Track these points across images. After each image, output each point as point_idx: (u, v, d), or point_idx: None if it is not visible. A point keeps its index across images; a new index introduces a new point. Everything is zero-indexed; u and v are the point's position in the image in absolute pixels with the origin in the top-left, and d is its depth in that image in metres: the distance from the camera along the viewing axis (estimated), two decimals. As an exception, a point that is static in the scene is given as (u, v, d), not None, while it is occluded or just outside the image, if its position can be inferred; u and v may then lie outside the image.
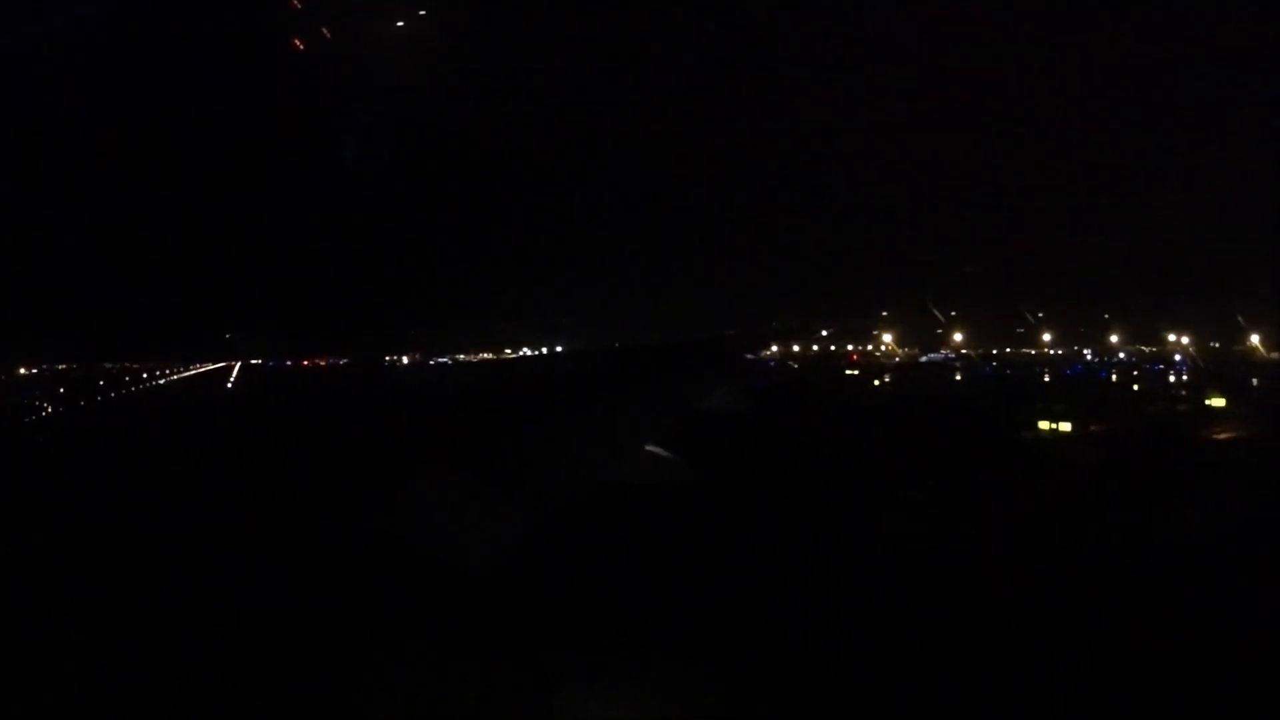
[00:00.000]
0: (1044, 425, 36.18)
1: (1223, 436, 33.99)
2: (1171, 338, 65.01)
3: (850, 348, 75.49)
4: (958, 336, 72.86)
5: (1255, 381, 48.41)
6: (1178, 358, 62.23)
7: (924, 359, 73.96)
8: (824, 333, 63.62)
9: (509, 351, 69.44)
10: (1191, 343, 61.81)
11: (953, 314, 71.73)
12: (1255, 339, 54.93)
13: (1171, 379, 55.02)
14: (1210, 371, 52.11)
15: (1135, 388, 51.20)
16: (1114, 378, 56.96)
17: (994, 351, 74.00)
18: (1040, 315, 74.05)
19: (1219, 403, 40.97)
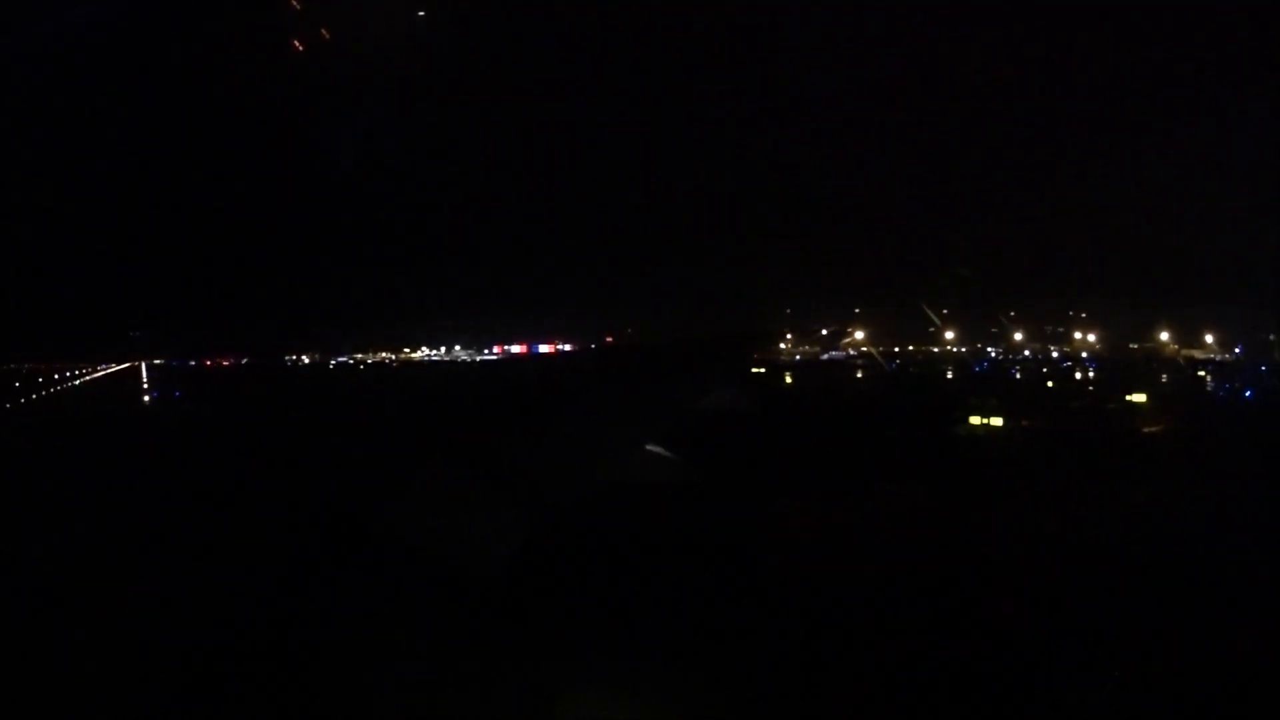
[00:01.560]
0: (976, 420, 36.65)
1: (1154, 429, 34.58)
2: (1078, 336, 66.58)
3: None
4: (859, 334, 73.49)
5: (1165, 378, 49.55)
6: (1085, 355, 63.72)
7: (824, 356, 74.46)
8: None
9: (407, 351, 68.08)
10: (1099, 340, 63.34)
11: (856, 311, 72.39)
12: (1164, 336, 56.50)
13: (1078, 376, 56.09)
14: (1123, 368, 53.22)
15: (1050, 384, 51.96)
16: (1019, 375, 57.80)
17: (895, 350, 74.87)
18: (945, 312, 75.19)
19: (1140, 399, 41.73)
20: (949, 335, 76.19)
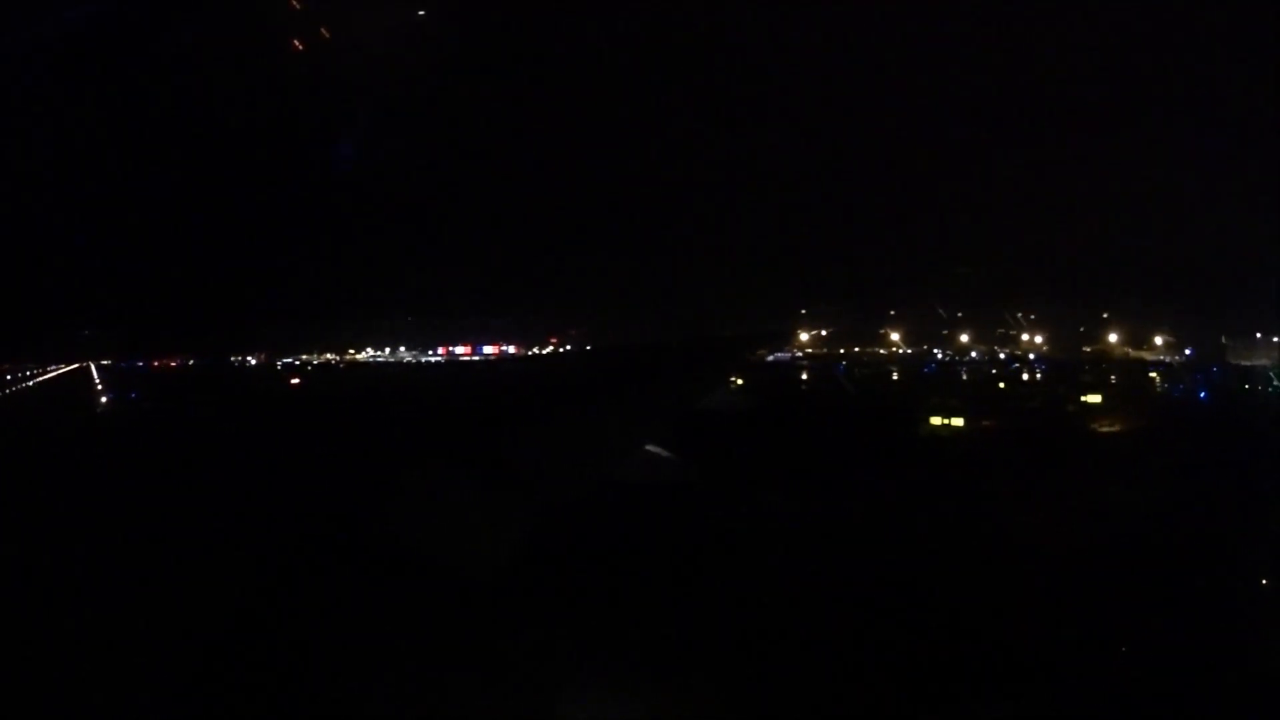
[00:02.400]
0: (936, 421, 36.73)
1: (1112, 429, 34.62)
2: (1025, 337, 66.94)
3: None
4: (804, 336, 73.46)
5: (1113, 378, 49.82)
6: (1032, 356, 64.10)
7: (770, 358, 74.35)
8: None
9: (351, 352, 67.37)
10: (1046, 342, 63.71)
11: (803, 312, 72.31)
12: (1113, 338, 56.92)
13: (1025, 377, 56.35)
14: (1073, 369, 53.45)
15: (1002, 385, 52.05)
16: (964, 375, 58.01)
17: (841, 351, 74.99)
18: (892, 314, 75.46)
19: (1095, 399, 41.85)
20: (894, 337, 76.38)
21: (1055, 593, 11.62)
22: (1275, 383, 39.10)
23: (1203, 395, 40.35)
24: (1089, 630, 10.34)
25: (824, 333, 75.62)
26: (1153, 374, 49.62)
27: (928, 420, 36.72)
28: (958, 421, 36.98)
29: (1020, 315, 66.37)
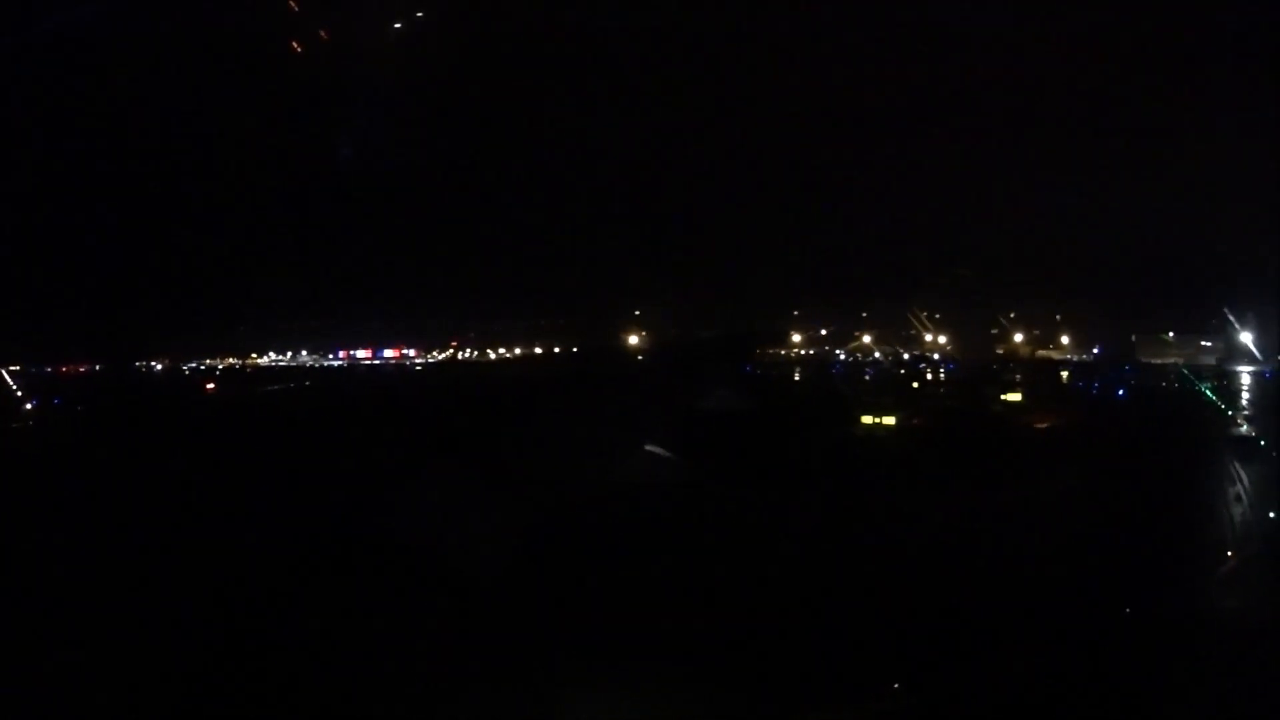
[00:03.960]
0: (868, 420, 36.84)
1: (1045, 425, 34.85)
2: (929, 338, 67.32)
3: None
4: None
5: (1018, 377, 50.26)
6: (936, 357, 64.51)
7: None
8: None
9: (254, 356, 65.39)
10: (950, 342, 64.13)
11: (714, 314, 71.49)
12: (1019, 338, 57.33)
13: (929, 377, 56.61)
14: (982, 369, 53.80)
15: (915, 385, 52.13)
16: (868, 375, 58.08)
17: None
18: (796, 314, 75.26)
19: (1015, 398, 42.11)
20: (797, 338, 76.20)
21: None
22: (1197, 383, 39.90)
23: (1120, 393, 40.81)
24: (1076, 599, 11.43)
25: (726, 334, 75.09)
26: (1064, 373, 50.24)
27: (859, 420, 36.73)
28: (889, 420, 37.02)
29: (925, 315, 66.83)
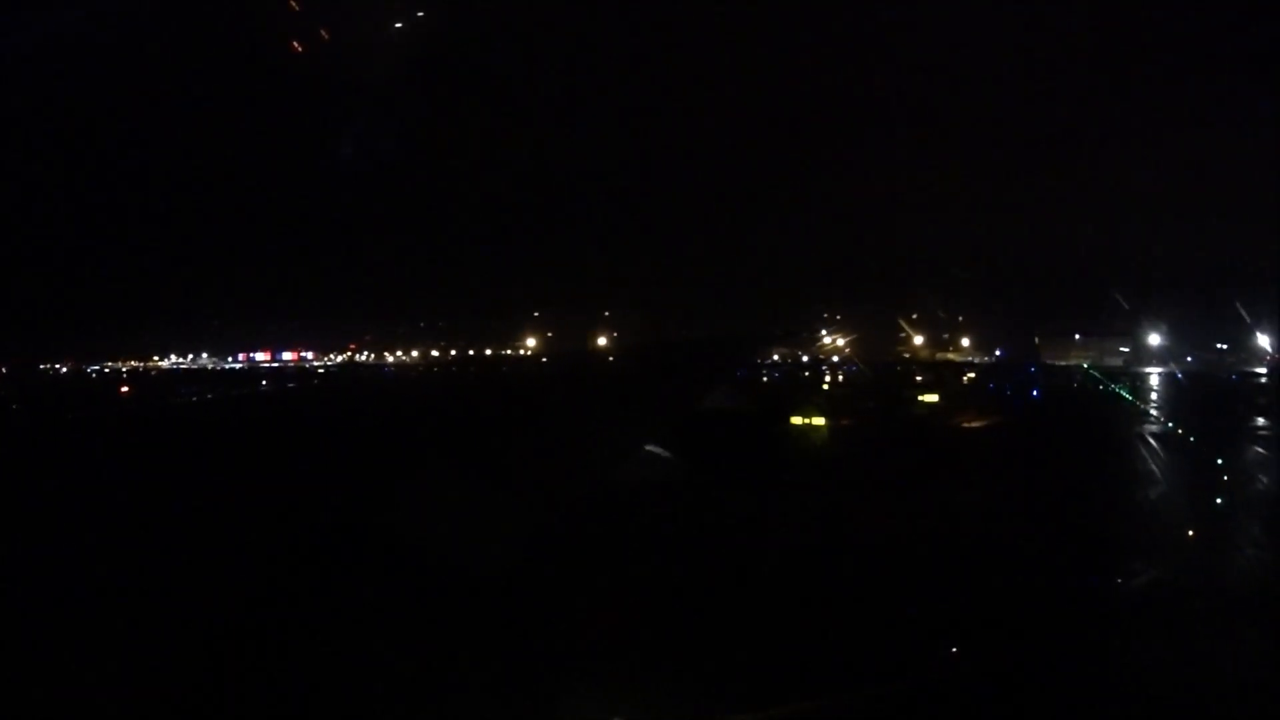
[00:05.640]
0: (798, 420, 36.38)
1: (977, 425, 34.92)
2: (828, 340, 67.90)
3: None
4: (601, 340, 72.15)
5: (941, 379, 50.91)
6: (836, 359, 65.13)
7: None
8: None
9: (155, 359, 63.29)
10: (849, 344, 64.77)
11: (606, 314, 70.97)
12: (919, 340, 58.34)
13: (827, 379, 57.00)
14: (886, 372, 54.31)
15: (825, 387, 52.23)
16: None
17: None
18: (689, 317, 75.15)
19: (933, 398, 42.34)
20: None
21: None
22: (1108, 384, 41.02)
23: (1035, 393, 41.53)
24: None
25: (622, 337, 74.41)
26: (970, 375, 51.10)
27: (789, 420, 36.17)
28: (819, 420, 36.65)
29: (825, 316, 67.41)
